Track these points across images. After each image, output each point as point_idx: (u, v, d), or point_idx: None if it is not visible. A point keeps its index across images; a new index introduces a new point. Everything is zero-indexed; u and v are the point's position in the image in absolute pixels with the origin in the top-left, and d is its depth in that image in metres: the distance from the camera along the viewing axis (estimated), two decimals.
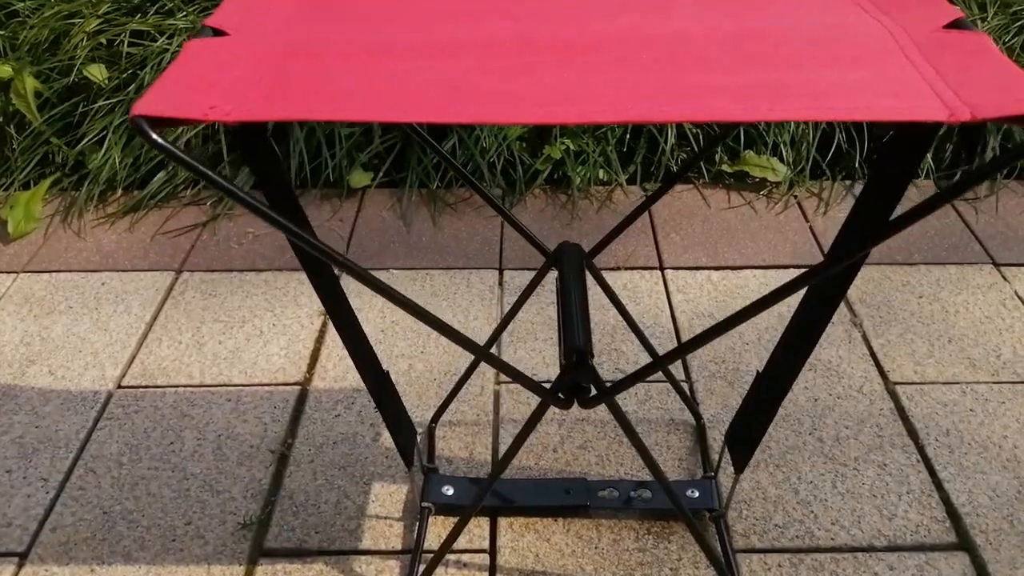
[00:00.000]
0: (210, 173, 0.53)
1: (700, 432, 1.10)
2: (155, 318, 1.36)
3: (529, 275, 1.42)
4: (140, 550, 0.99)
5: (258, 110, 0.54)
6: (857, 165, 1.62)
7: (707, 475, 1.03)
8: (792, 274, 1.41)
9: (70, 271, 1.48)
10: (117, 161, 1.64)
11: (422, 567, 0.95)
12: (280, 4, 0.69)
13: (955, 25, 0.64)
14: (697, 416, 1.12)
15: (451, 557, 0.97)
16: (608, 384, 0.73)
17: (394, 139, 1.67)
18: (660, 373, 1.11)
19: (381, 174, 1.66)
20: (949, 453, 1.08)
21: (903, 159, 0.69)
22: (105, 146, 1.65)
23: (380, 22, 0.67)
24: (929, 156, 1.62)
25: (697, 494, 0.99)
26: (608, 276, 1.41)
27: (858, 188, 1.61)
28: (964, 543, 0.96)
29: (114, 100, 1.67)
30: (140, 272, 1.47)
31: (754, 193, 1.62)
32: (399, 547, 0.99)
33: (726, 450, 0.99)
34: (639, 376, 0.71)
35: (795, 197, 1.60)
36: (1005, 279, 1.38)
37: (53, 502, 1.06)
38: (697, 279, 1.40)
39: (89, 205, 1.64)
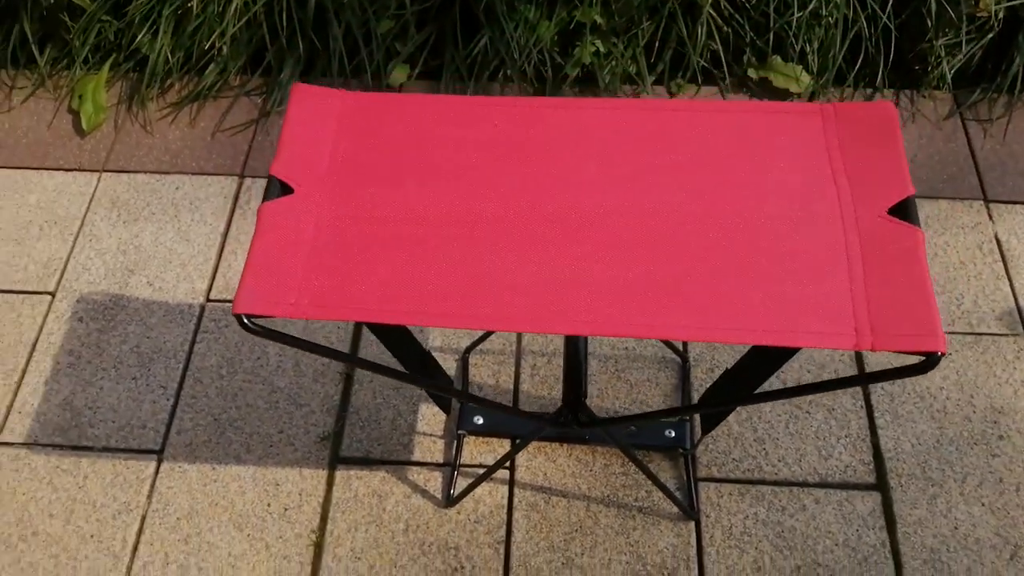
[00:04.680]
0: (319, 344, 0.72)
1: (685, 373, 1.34)
2: (228, 229, 1.57)
3: None
4: (247, 453, 1.31)
5: (328, 308, 0.73)
6: (880, 77, 1.66)
7: (683, 417, 1.29)
8: None
9: (145, 172, 1.67)
10: (169, 53, 1.74)
11: (461, 480, 1.25)
12: (326, 147, 0.83)
13: (900, 209, 0.76)
14: (683, 358, 1.35)
15: (481, 472, 1.27)
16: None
17: (429, 33, 1.72)
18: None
19: (419, 67, 1.74)
20: (890, 401, 1.31)
21: (780, 353, 0.86)
22: (159, 36, 1.73)
23: (404, 182, 0.80)
24: (948, 68, 1.64)
25: (673, 434, 1.26)
26: None
27: (877, 99, 1.66)
28: (880, 484, 1.23)
29: None
30: (207, 176, 1.65)
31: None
32: (441, 460, 1.29)
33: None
34: (628, 419, 0.93)
35: None
36: (991, 218, 1.50)
37: (174, 408, 1.36)
38: None
39: (151, 93, 1.77)
